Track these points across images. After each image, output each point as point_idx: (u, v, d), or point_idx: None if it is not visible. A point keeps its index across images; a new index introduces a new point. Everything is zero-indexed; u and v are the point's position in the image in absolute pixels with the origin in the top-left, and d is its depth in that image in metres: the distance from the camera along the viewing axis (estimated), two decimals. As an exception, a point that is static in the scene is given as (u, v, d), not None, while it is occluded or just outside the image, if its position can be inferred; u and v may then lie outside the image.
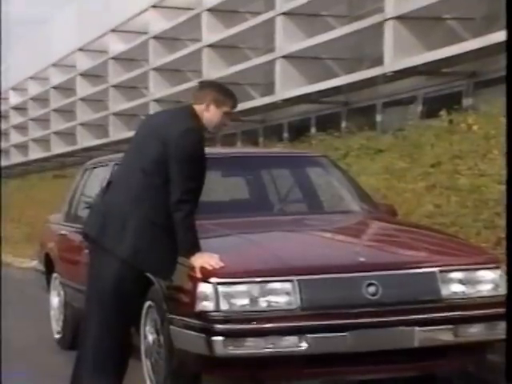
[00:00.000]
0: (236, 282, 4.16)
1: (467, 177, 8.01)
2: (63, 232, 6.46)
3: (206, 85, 4.39)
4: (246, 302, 4.14)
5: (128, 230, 4.13)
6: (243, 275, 4.19)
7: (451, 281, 4.34)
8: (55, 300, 6.67)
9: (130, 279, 4.16)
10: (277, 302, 4.16)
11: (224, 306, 4.12)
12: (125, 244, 4.13)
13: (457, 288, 4.34)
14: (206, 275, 4.16)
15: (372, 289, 4.22)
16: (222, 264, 4.16)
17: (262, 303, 4.15)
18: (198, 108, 4.28)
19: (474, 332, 4.30)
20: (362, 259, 4.32)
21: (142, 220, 4.14)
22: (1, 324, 6.19)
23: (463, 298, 4.33)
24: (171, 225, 4.15)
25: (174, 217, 4.14)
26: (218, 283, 4.13)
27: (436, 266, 4.34)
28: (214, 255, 4.19)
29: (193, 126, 4.22)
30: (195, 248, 4.20)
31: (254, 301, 4.14)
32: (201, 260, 4.16)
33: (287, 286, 4.17)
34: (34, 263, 7.70)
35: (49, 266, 6.75)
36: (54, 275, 6.65)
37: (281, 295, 4.17)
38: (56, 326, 6.64)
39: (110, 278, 4.15)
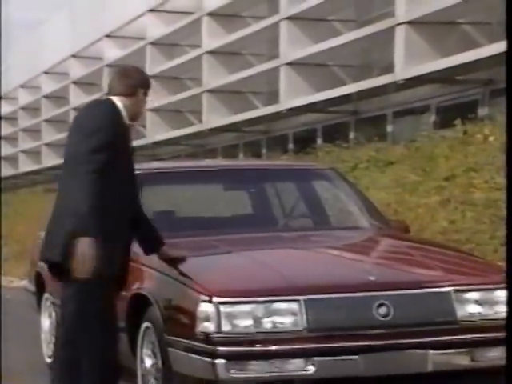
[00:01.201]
0: (239, 302, 4.16)
1: (483, 191, 8.01)
2: (55, 249, 6.45)
3: (130, 72, 4.35)
4: (249, 322, 4.14)
5: (57, 232, 4.09)
6: (246, 294, 4.20)
7: (467, 301, 4.34)
8: (46, 322, 6.67)
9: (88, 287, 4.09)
10: (282, 323, 4.16)
11: (226, 327, 4.13)
12: (56, 249, 4.07)
13: (473, 309, 4.34)
14: (207, 294, 4.17)
15: (383, 309, 4.22)
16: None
17: (267, 324, 4.15)
18: (118, 99, 4.25)
19: (492, 356, 4.29)
20: (372, 278, 4.32)
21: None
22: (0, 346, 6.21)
23: (480, 320, 4.33)
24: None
25: (77, 180, 3.97)
26: (220, 303, 4.13)
27: (451, 286, 4.34)
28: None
29: (103, 102, 4.22)
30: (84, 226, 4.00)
31: (257, 322, 4.15)
32: (86, 247, 3.98)
33: (293, 305, 4.17)
34: (24, 282, 7.70)
35: (40, 285, 6.75)
36: (46, 295, 6.65)
37: (286, 316, 4.17)
38: (47, 349, 6.64)
39: (74, 293, 4.12)
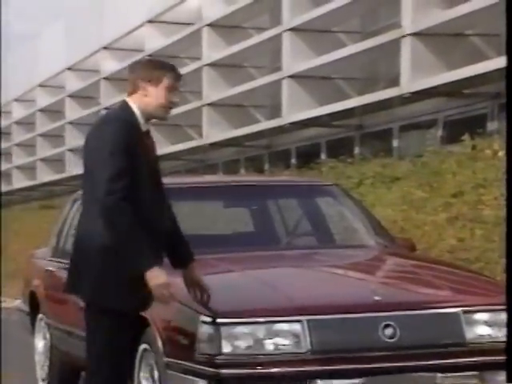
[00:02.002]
0: (239, 323, 4.15)
1: (492, 208, 8.01)
2: (50, 268, 6.46)
3: (134, 67, 4.08)
4: (250, 344, 4.14)
5: (85, 266, 3.94)
6: (247, 315, 4.19)
7: (476, 322, 4.33)
8: (40, 343, 6.66)
9: (108, 323, 3.91)
10: (284, 345, 4.16)
11: (226, 349, 4.12)
12: (85, 284, 3.93)
13: (482, 330, 4.33)
14: (207, 315, 4.16)
15: (389, 331, 4.21)
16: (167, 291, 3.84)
17: (268, 346, 4.14)
18: (132, 99, 4.00)
19: (503, 380, 4.27)
20: (377, 298, 4.32)
21: (94, 251, 3.90)
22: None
23: (490, 342, 4.32)
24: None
25: (105, 218, 3.78)
26: (221, 323, 4.13)
27: (459, 306, 4.34)
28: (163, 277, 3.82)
29: (114, 115, 4.00)
30: (143, 258, 3.80)
31: (259, 343, 4.14)
32: (156, 280, 3.82)
33: (296, 326, 4.17)
34: (18, 302, 7.69)
35: (34, 305, 6.74)
36: (40, 316, 6.64)
37: (289, 337, 4.16)
38: (41, 372, 6.62)
39: (96, 330, 3.95)
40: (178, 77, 4.03)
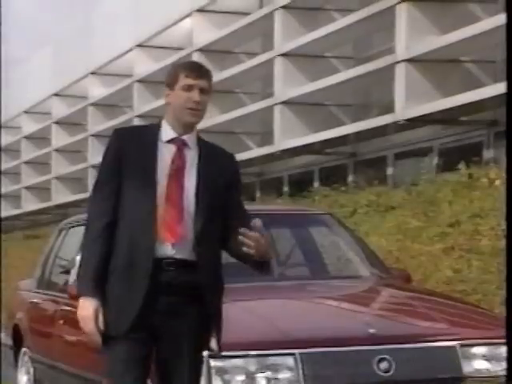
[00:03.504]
0: (231, 356, 4.13)
1: (490, 238, 8.02)
2: (35, 300, 6.44)
3: None
4: (242, 378, 4.12)
5: None
6: (239, 348, 4.17)
7: (474, 356, 4.33)
8: (24, 378, 6.61)
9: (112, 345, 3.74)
10: (277, 379, 4.14)
11: (217, 383, 4.11)
12: None
13: (480, 365, 4.33)
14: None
15: (384, 364, 4.20)
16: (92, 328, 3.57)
17: (261, 380, 4.13)
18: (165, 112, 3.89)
19: (501, 414, 4.27)
20: (372, 331, 4.31)
21: None
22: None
23: (488, 377, 4.32)
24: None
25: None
26: (210, 356, 4.11)
27: (456, 340, 4.34)
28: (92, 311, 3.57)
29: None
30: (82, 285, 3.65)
31: (251, 377, 4.13)
32: (81, 311, 3.62)
33: (288, 360, 4.16)
34: (1, 336, 7.65)
35: (17, 339, 6.70)
36: (23, 350, 6.60)
37: (281, 370, 4.15)
38: (25, 408, 6.58)
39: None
40: (194, 73, 3.75)
